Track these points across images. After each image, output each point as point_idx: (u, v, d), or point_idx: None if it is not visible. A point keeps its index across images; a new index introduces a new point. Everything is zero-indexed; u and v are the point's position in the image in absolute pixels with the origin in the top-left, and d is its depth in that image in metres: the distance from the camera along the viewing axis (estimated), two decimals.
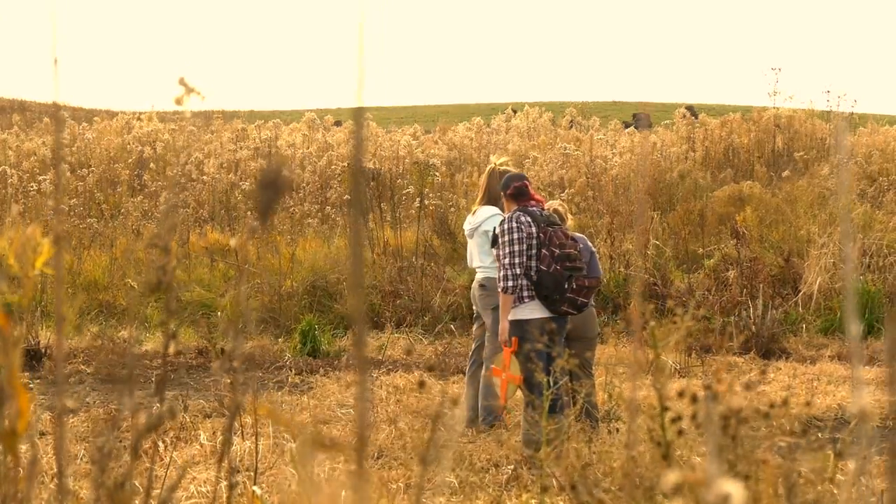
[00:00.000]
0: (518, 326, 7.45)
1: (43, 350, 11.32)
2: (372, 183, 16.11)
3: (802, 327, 13.04)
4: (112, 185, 19.76)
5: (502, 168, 8.71)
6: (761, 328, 12.17)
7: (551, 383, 7.51)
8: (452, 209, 16.36)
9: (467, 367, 9.02)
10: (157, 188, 18.42)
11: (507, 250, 7.43)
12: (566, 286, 7.33)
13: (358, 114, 1.85)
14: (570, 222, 8.73)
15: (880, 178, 17.85)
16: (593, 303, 8.82)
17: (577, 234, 8.78)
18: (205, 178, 18.60)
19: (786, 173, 17.27)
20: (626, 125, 77.34)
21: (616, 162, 17.93)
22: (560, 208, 8.69)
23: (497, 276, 7.62)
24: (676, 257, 14.84)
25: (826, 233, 13.61)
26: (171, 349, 2.22)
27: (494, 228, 7.88)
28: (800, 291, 13.43)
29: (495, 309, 8.09)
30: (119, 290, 13.74)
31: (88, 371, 11.03)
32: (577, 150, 18.58)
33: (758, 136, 19.99)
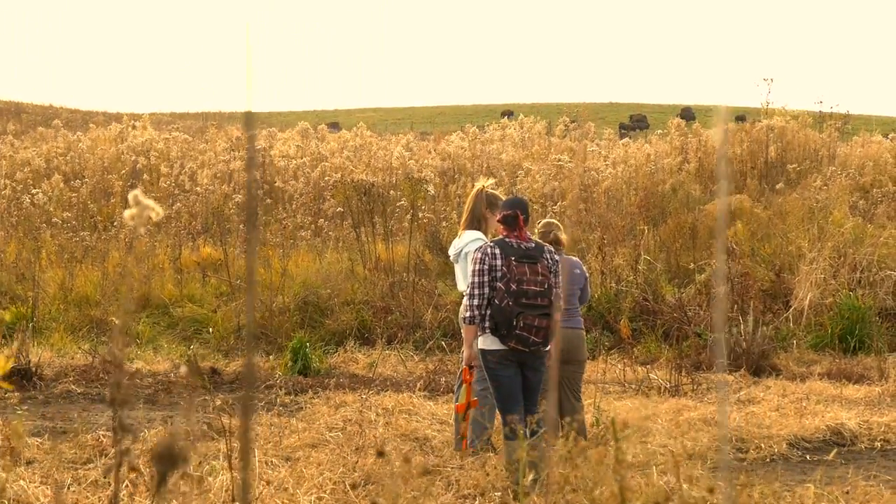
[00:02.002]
0: (480, 355, 7.54)
1: (34, 369, 11.28)
2: (364, 197, 16.11)
3: (793, 343, 13.06)
4: (106, 195, 19.76)
5: (489, 191, 8.73)
6: (751, 345, 12.18)
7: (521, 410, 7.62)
8: (444, 223, 16.36)
9: (455, 390, 9.02)
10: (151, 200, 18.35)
11: (471, 280, 7.52)
12: (514, 323, 7.32)
13: (248, 120, 1.79)
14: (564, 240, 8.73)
15: (873, 190, 17.84)
16: (583, 325, 8.82)
17: (574, 259, 8.77)
18: (198, 189, 18.59)
19: (778, 185, 17.26)
20: (623, 127, 77.23)
21: (609, 174, 17.93)
22: (559, 232, 8.71)
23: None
24: (668, 271, 14.84)
25: (816, 248, 13.62)
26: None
27: None
28: (791, 307, 13.44)
29: None
30: (111, 306, 13.74)
31: (79, 391, 11.01)
32: (570, 161, 18.58)
33: (751, 147, 19.98)
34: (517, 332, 7.38)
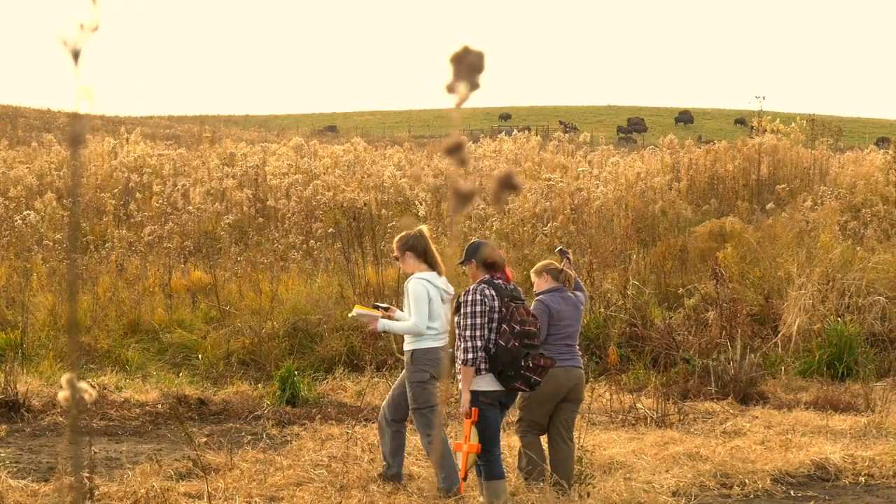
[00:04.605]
0: (472, 397, 7.52)
1: (21, 400, 11.25)
2: (353, 222, 16.10)
3: (781, 369, 13.06)
4: (98, 213, 19.73)
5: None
6: (739, 372, 12.19)
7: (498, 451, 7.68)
8: (435, 246, 16.31)
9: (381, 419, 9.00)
10: (143, 219, 18.41)
11: (468, 322, 7.46)
12: (521, 363, 7.37)
13: (74, 124, 1.69)
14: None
15: (864, 210, 17.83)
16: (582, 364, 8.80)
17: (572, 296, 8.75)
18: (190, 208, 18.58)
19: (769, 206, 17.27)
20: (621, 130, 76.74)
21: (600, 192, 17.92)
22: (570, 271, 8.69)
23: (459, 347, 7.64)
24: (658, 293, 14.85)
25: (805, 272, 13.62)
26: None
27: (458, 298, 7.90)
28: (779, 332, 13.45)
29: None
30: (101, 332, 13.73)
31: (66, 423, 10.99)
32: (561, 180, 18.59)
33: (742, 165, 20.00)
34: (523, 371, 7.42)
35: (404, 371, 8.65)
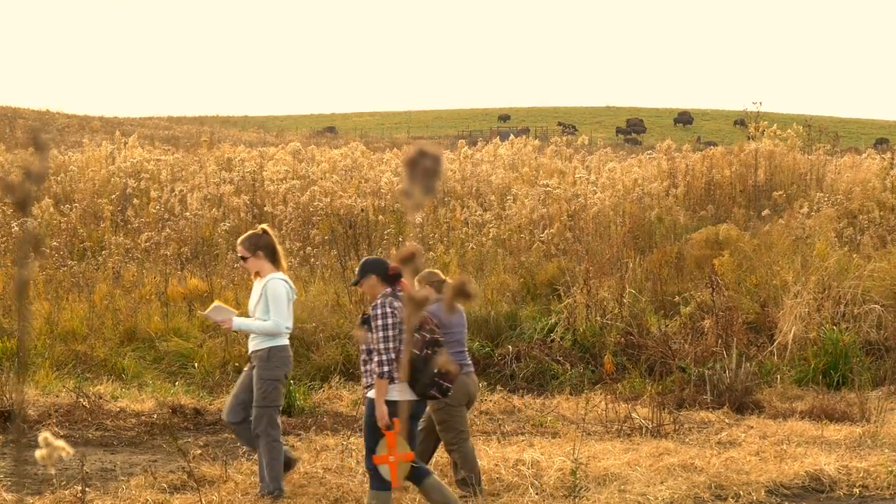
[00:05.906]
0: (388, 407, 7.56)
1: (17, 410, 11.26)
2: (349, 230, 16.10)
3: (777, 378, 13.07)
4: (96, 219, 19.70)
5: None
6: (735, 381, 12.20)
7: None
8: (432, 253, 16.36)
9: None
10: (140, 225, 18.40)
11: (381, 335, 7.54)
12: (435, 370, 7.51)
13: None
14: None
15: (860, 217, 17.83)
16: (472, 368, 9.09)
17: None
18: (187, 214, 18.57)
19: (765, 212, 17.29)
20: (620, 131, 76.51)
21: (597, 199, 17.92)
22: (440, 274, 8.92)
23: (372, 360, 7.67)
24: (654, 301, 14.86)
25: (800, 281, 13.63)
26: None
27: (365, 313, 8.01)
28: (775, 341, 13.46)
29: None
30: (97, 341, 13.72)
31: (62, 434, 10.99)
32: (558, 186, 18.59)
33: (739, 170, 20.02)
34: (437, 379, 7.55)
35: (252, 371, 8.63)
